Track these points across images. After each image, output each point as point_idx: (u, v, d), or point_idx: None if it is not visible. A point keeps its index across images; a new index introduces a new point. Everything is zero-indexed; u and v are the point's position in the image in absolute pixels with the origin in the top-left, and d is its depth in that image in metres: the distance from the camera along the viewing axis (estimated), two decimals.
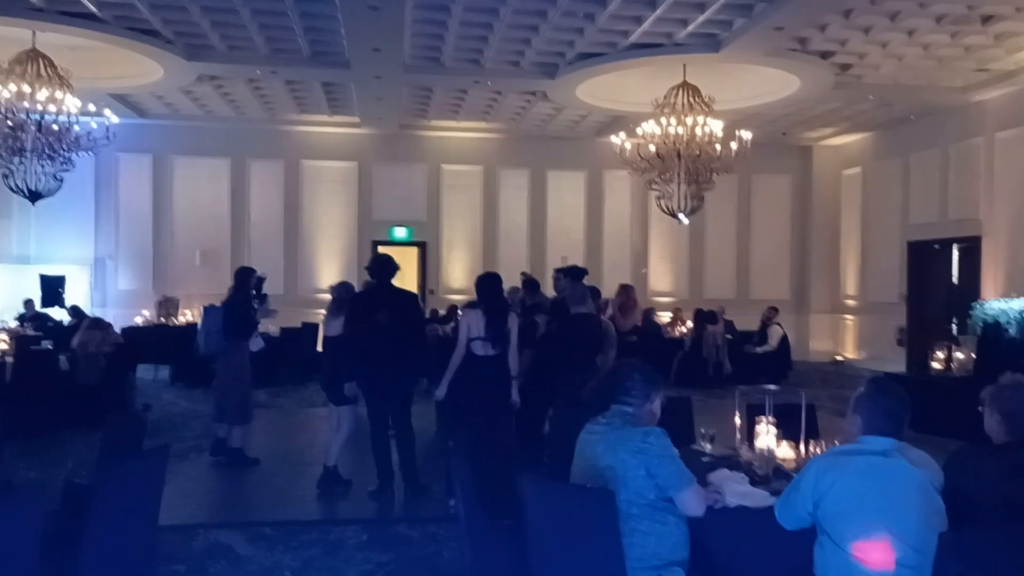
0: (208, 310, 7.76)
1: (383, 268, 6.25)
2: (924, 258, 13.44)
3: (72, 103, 9.52)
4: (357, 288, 7.35)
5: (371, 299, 6.38)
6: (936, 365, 9.51)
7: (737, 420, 4.06)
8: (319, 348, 12.76)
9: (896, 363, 12.85)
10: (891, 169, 14.29)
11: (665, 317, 14.35)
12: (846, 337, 15.78)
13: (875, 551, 2.73)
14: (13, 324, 11.18)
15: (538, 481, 3.14)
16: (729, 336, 12.95)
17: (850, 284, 15.69)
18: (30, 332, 10.57)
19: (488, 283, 5.99)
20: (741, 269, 16.21)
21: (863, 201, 15.24)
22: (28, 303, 11.85)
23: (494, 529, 3.61)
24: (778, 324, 13.19)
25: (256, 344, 7.47)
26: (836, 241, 16.06)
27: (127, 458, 3.89)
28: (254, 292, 7.58)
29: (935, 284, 13.25)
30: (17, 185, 9.62)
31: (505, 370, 5.89)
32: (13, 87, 9.07)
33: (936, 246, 13.18)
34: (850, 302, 15.70)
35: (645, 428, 3.18)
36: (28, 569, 2.89)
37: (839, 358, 15.59)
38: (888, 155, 14.47)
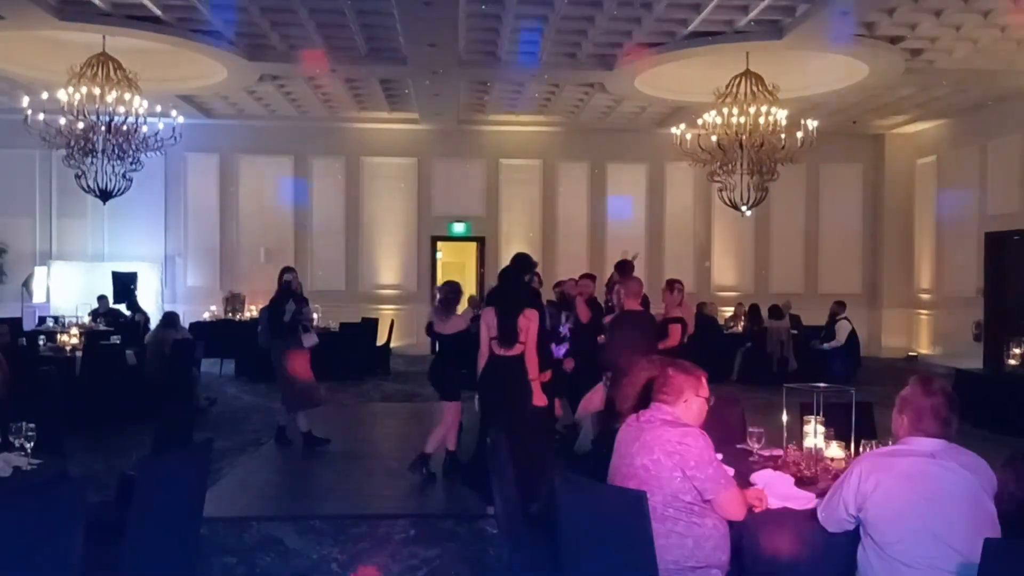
0: (264, 308, 8.02)
1: (511, 267, 6.30)
2: (1003, 250, 12.85)
3: (140, 104, 9.80)
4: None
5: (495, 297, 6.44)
6: (1013, 362, 9.06)
7: (784, 419, 3.91)
8: (379, 343, 13.01)
9: (973, 359, 12.32)
10: (968, 157, 13.70)
11: (727, 312, 14.09)
12: (920, 332, 15.21)
13: None
14: (87, 320, 11.60)
15: (570, 480, 3.07)
16: (795, 331, 12.61)
17: (924, 277, 15.11)
18: (102, 327, 10.94)
19: (500, 278, 5.77)
20: (809, 262, 15.77)
21: (938, 191, 14.65)
22: (101, 299, 12.28)
23: (531, 527, 3.57)
24: (846, 319, 12.76)
25: (309, 340, 7.71)
26: (910, 233, 15.48)
27: (169, 450, 3.96)
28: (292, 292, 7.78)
29: (1015, 277, 12.65)
30: (89, 185, 9.95)
31: (522, 370, 5.52)
32: (84, 90, 9.38)
33: (1016, 237, 12.57)
34: (925, 296, 15.11)
35: (684, 429, 3.10)
36: (74, 557, 2.96)
37: (913, 354, 15.04)
38: (964, 143, 13.87)
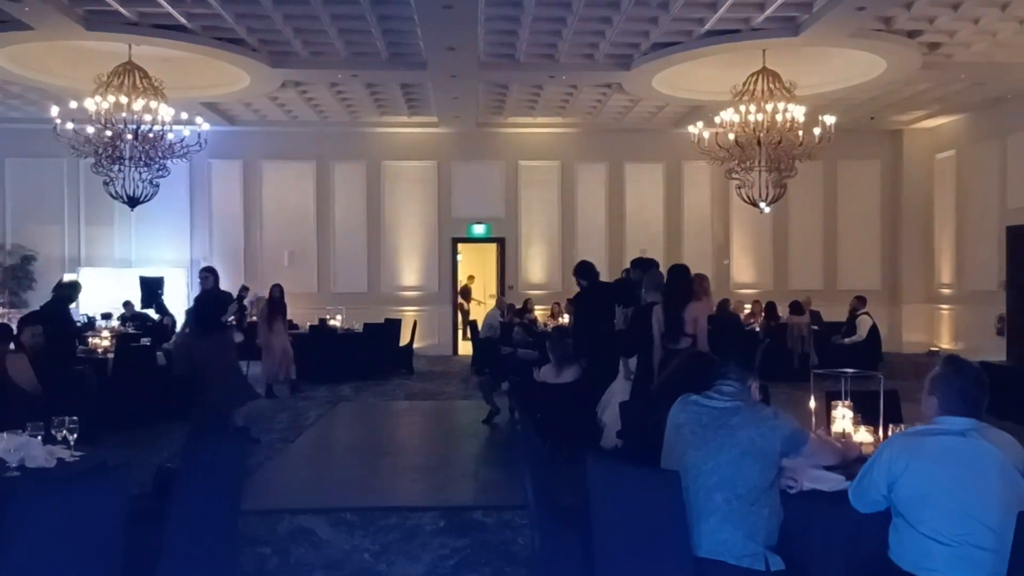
0: (191, 309, 8.37)
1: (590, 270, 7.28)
2: None
3: (166, 112, 9.98)
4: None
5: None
6: None
7: (812, 404, 3.97)
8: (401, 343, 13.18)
9: (996, 353, 12.27)
10: (988, 151, 13.64)
11: (746, 309, 14.09)
12: (941, 327, 15.15)
13: None
14: (115, 323, 11.80)
15: (602, 464, 3.15)
16: (815, 327, 12.60)
17: (945, 272, 15.05)
18: (131, 330, 11.15)
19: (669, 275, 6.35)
20: (828, 259, 15.75)
21: (958, 186, 14.60)
22: (127, 304, 12.49)
23: (561, 513, 3.65)
24: (867, 314, 12.75)
25: (237, 337, 8.20)
26: (929, 228, 15.43)
27: (209, 440, 4.07)
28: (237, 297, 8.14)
29: None
30: (117, 192, 10.15)
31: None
32: (112, 98, 9.56)
33: None
34: (945, 291, 15.05)
35: (771, 407, 3.26)
36: (116, 542, 3.08)
37: (934, 349, 14.97)
38: (984, 137, 13.82)
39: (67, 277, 14.03)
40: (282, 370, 10.91)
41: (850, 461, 3.43)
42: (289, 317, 13.76)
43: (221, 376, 7.67)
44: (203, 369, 7.67)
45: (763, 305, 13.41)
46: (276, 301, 11.11)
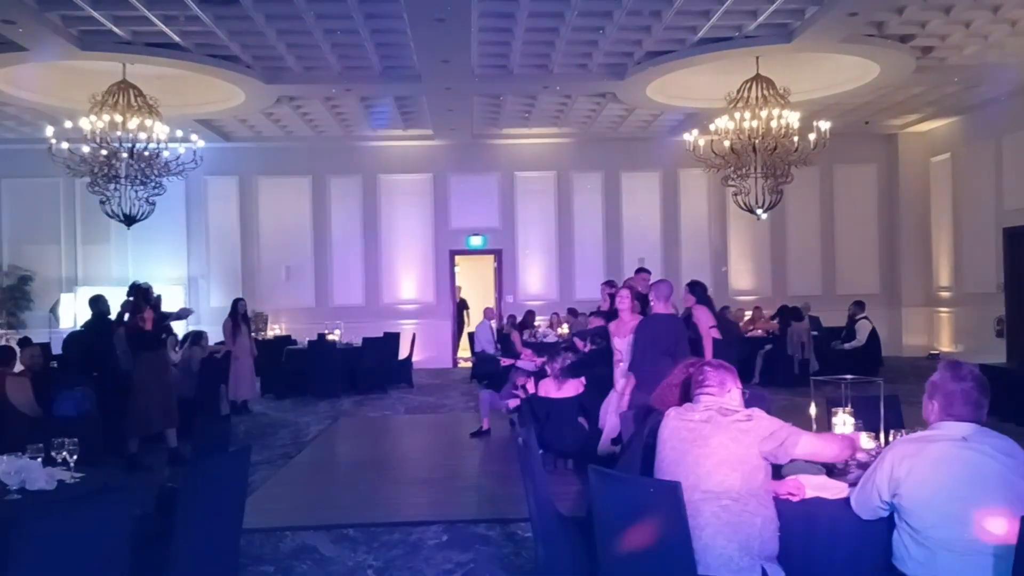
0: (121, 328, 8.31)
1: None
2: (1022, 244, 12.79)
3: (161, 130, 10.00)
4: None
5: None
6: None
7: (812, 411, 3.95)
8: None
9: (996, 355, 12.26)
10: (982, 153, 13.68)
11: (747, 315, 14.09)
12: (941, 330, 15.15)
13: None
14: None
15: (604, 473, 3.13)
16: (815, 333, 12.60)
17: (943, 275, 15.06)
18: None
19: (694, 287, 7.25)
20: (827, 264, 15.77)
21: (954, 188, 14.63)
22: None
23: (563, 523, 3.64)
24: (866, 318, 12.76)
25: (175, 356, 8.14)
26: (927, 231, 15.46)
27: (212, 457, 4.06)
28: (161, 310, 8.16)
29: None
30: (113, 211, 10.16)
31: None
32: (107, 117, 9.57)
33: None
34: (944, 294, 15.06)
35: (744, 410, 3.16)
36: (119, 564, 3.06)
37: (935, 352, 14.97)
38: (978, 139, 13.86)
39: (64, 297, 14.03)
40: (238, 388, 10.57)
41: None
42: (287, 332, 13.80)
43: (156, 395, 7.62)
44: (139, 389, 7.60)
45: (762, 312, 13.43)
46: (238, 315, 10.98)
